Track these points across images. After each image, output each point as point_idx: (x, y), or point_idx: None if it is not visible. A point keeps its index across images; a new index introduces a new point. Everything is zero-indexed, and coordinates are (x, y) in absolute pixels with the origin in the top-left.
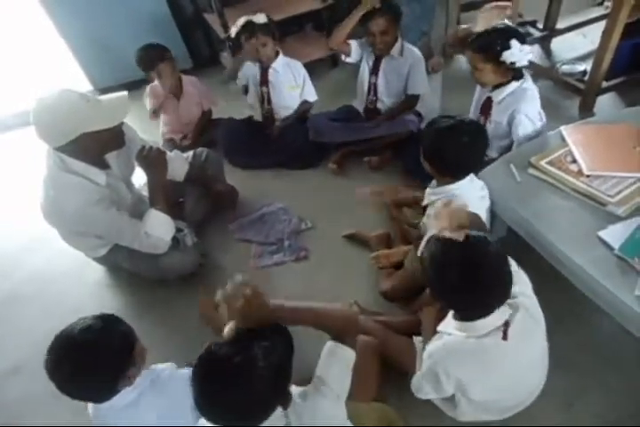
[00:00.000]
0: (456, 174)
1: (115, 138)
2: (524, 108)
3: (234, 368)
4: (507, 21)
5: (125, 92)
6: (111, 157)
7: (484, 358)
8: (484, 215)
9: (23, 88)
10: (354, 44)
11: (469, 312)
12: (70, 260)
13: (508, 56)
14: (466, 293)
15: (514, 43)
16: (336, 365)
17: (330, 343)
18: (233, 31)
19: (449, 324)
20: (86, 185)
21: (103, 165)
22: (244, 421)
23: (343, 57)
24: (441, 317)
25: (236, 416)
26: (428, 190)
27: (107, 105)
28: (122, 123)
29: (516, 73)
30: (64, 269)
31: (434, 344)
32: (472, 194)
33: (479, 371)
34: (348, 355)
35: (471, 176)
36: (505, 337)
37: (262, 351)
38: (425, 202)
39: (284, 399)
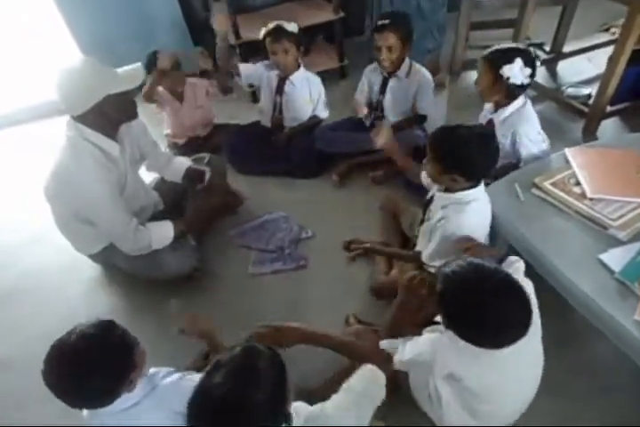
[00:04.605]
0: (470, 178)
1: (131, 105)
2: (523, 129)
3: (230, 410)
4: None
5: (139, 63)
6: (121, 137)
7: (484, 358)
8: (486, 228)
9: (32, 83)
10: (359, 89)
11: (481, 344)
12: (66, 258)
13: (506, 70)
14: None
15: (517, 60)
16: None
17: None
18: (262, 33)
19: None
20: (98, 155)
21: (115, 140)
22: None
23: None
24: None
25: None
26: (437, 194)
27: (125, 71)
28: (135, 94)
29: (510, 91)
30: (59, 266)
31: (436, 336)
32: (485, 202)
33: (477, 369)
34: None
35: (483, 187)
36: None
37: (258, 390)
38: (436, 204)
39: (286, 421)
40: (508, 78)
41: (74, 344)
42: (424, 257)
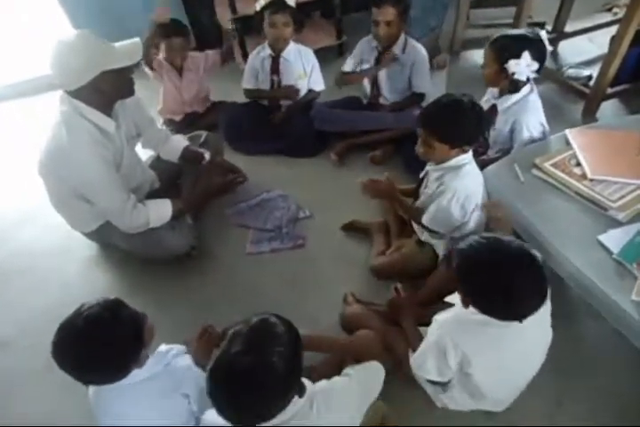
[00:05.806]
0: (461, 144)
1: (128, 82)
2: (526, 118)
3: (251, 376)
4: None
5: (138, 39)
6: (116, 113)
7: (494, 333)
8: (482, 187)
9: (16, 58)
10: (350, 59)
11: (498, 316)
12: (59, 236)
13: (511, 65)
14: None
15: (525, 55)
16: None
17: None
18: (259, 4)
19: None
20: (93, 132)
21: (111, 116)
22: (263, 418)
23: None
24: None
25: (255, 416)
26: (429, 168)
27: (123, 46)
28: (133, 71)
29: (512, 84)
30: (53, 245)
31: (443, 316)
32: (475, 168)
33: (487, 345)
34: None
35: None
36: None
37: (277, 355)
38: (431, 178)
39: (299, 391)
40: (513, 73)
41: (84, 326)
42: (424, 220)
